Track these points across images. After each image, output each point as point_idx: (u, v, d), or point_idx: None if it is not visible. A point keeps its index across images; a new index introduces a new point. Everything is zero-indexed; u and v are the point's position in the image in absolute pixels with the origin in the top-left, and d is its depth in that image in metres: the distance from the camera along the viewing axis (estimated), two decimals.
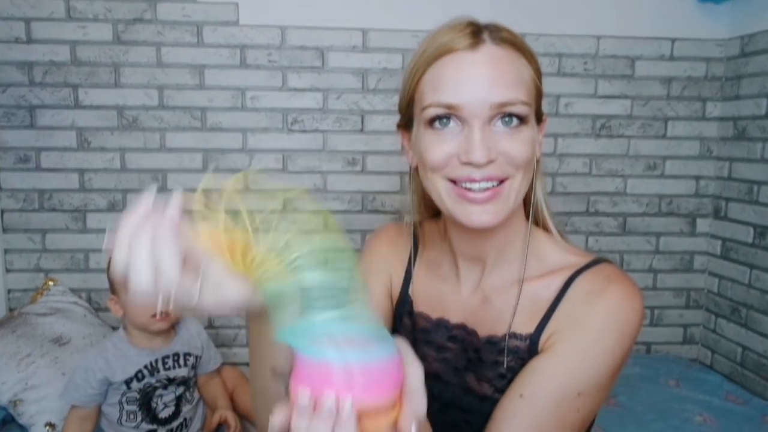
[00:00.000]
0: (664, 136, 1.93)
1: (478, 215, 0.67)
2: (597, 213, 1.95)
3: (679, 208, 1.97)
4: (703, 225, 1.99)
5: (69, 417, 1.24)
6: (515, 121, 0.67)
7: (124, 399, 1.24)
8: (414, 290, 0.84)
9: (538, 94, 0.71)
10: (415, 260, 0.85)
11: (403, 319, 0.83)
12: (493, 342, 0.74)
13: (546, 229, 0.80)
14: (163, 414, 1.28)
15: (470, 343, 0.76)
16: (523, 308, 0.73)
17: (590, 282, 0.70)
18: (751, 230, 1.79)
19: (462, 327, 0.78)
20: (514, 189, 0.68)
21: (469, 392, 0.75)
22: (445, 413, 0.76)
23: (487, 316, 0.76)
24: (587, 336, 0.67)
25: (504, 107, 0.66)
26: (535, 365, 0.69)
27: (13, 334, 1.50)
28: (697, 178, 1.96)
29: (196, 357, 1.35)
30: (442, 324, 0.80)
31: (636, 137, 1.92)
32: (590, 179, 1.93)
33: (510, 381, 0.71)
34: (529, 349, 0.71)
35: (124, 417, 1.24)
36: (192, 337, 1.36)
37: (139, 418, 1.25)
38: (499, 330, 0.74)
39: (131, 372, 1.24)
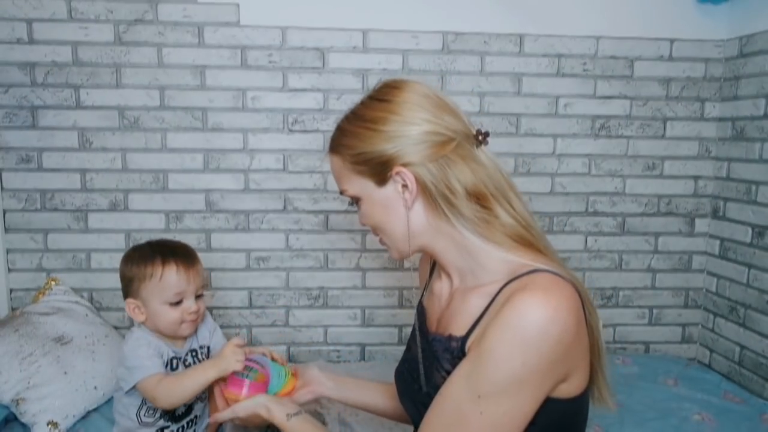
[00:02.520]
0: (662, 137, 1.94)
1: (389, 253, 0.91)
2: (596, 213, 1.96)
3: (678, 208, 1.98)
4: (701, 225, 1.99)
5: (151, 383, 1.16)
6: (354, 202, 0.89)
7: None
8: (430, 286, 0.98)
9: (366, 162, 0.83)
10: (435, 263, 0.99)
11: (420, 305, 0.98)
12: (438, 340, 0.84)
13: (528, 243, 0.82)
14: (178, 411, 1.29)
15: (434, 339, 0.86)
16: (464, 312, 0.81)
17: (511, 289, 0.74)
18: (750, 230, 1.80)
19: (433, 324, 0.90)
20: (388, 239, 0.88)
21: (431, 381, 0.85)
22: (421, 393, 0.87)
23: (449, 316, 0.85)
24: (487, 341, 0.72)
25: (342, 194, 0.89)
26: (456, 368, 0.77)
27: (16, 333, 1.50)
28: (696, 178, 1.97)
29: (208, 348, 1.36)
30: (426, 319, 0.93)
31: (635, 137, 1.93)
32: (589, 179, 1.94)
33: None
34: (459, 348, 0.78)
35: (144, 410, 1.24)
36: (208, 332, 1.37)
37: (158, 414, 1.25)
38: (451, 330, 0.82)
39: (166, 357, 1.24)
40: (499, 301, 0.74)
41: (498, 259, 0.80)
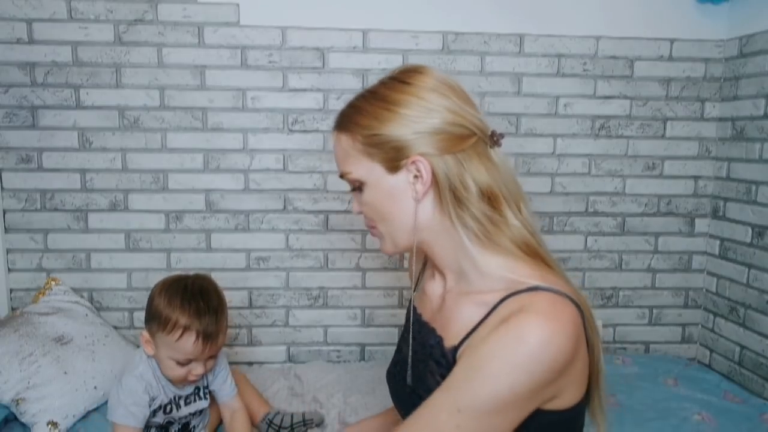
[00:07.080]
0: (663, 137, 1.94)
1: (380, 245, 0.86)
2: (596, 213, 1.96)
3: (678, 208, 1.98)
4: (701, 225, 1.99)
5: None
6: (355, 187, 0.82)
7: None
8: (420, 283, 0.95)
9: (380, 145, 0.77)
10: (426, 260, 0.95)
11: (411, 304, 0.95)
12: (439, 344, 0.80)
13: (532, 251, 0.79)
14: (174, 428, 1.30)
15: (428, 340, 0.84)
16: (458, 320, 0.78)
17: (508, 308, 0.71)
18: (750, 230, 1.80)
19: (426, 324, 0.86)
20: (387, 231, 0.82)
21: (422, 382, 0.82)
22: (411, 397, 0.84)
23: (442, 320, 0.83)
24: (476, 357, 0.70)
25: (344, 177, 0.82)
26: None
27: (16, 333, 1.50)
28: (696, 178, 1.97)
29: (209, 389, 1.36)
30: (418, 318, 0.90)
31: (635, 137, 1.93)
32: (589, 179, 1.94)
33: None
34: (451, 357, 0.76)
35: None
36: (218, 376, 1.35)
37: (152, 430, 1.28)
38: (444, 335, 0.80)
39: (159, 403, 1.24)
40: (497, 317, 0.71)
41: (498, 266, 0.76)
